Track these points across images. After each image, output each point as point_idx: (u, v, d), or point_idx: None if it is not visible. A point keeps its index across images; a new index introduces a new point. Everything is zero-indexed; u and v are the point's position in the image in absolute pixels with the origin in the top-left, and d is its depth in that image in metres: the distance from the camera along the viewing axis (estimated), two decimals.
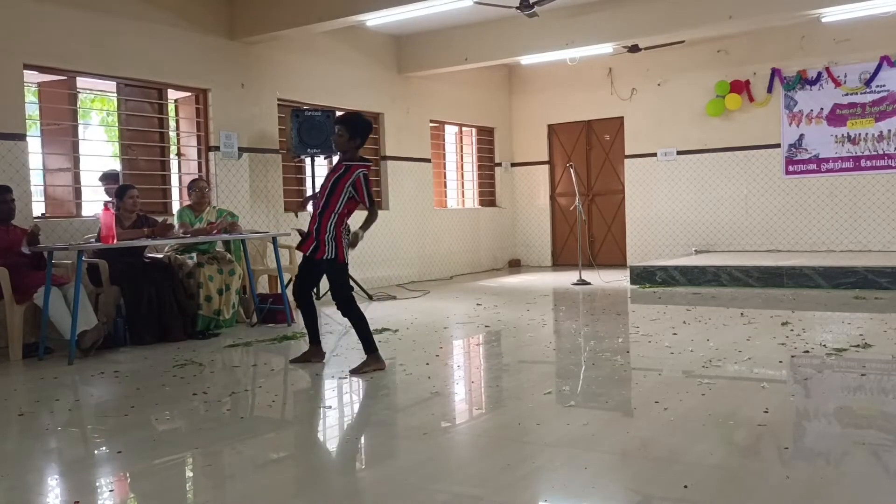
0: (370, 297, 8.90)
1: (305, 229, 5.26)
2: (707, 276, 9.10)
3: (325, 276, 5.20)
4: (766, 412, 3.77)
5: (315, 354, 5.36)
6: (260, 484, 3.10)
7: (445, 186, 12.03)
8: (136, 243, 6.31)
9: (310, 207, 5.51)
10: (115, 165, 7.70)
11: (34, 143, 6.86)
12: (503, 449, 3.49)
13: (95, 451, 3.70)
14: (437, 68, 10.59)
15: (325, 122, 8.48)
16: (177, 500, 3.05)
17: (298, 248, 5.24)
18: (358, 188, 5.01)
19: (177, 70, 7.86)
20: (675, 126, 11.39)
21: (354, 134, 5.05)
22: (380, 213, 10.17)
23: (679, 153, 11.40)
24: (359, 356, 5.67)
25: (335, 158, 9.53)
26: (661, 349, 5.46)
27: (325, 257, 5.00)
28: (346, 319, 5.15)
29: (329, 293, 5.20)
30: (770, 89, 10.68)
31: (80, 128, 7.45)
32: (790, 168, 10.65)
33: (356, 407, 4.44)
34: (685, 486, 2.86)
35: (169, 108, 8.09)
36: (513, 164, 12.95)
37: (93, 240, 6.30)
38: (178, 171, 8.21)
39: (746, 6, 8.53)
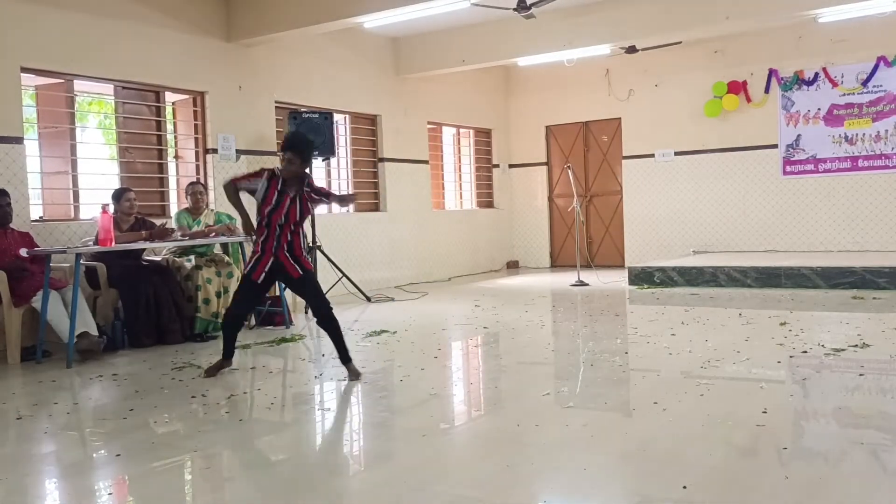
0: (368, 299, 8.90)
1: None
2: (705, 276, 9.11)
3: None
4: (765, 412, 3.78)
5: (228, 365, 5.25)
6: (259, 486, 3.10)
7: (443, 188, 12.04)
8: (133, 246, 6.31)
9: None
10: (113, 168, 7.70)
11: (32, 147, 6.85)
12: (502, 450, 3.49)
13: (94, 455, 3.69)
14: (434, 70, 10.60)
15: (323, 124, 8.50)
16: (176, 502, 3.04)
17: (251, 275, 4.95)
18: (320, 192, 5.02)
19: (174, 73, 7.86)
20: (672, 127, 11.40)
21: (306, 160, 4.90)
22: (379, 214, 10.39)
23: (677, 154, 11.41)
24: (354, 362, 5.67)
25: (333, 161, 9.64)
26: (660, 350, 5.46)
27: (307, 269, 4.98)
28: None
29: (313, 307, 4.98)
30: (767, 90, 10.69)
31: (78, 131, 7.43)
32: (788, 168, 10.66)
33: (355, 409, 4.44)
34: (684, 487, 2.86)
35: (166, 111, 8.09)
36: (510, 166, 12.96)
37: (91, 243, 6.29)
38: (175, 174, 8.21)
39: (743, 7, 8.54)
